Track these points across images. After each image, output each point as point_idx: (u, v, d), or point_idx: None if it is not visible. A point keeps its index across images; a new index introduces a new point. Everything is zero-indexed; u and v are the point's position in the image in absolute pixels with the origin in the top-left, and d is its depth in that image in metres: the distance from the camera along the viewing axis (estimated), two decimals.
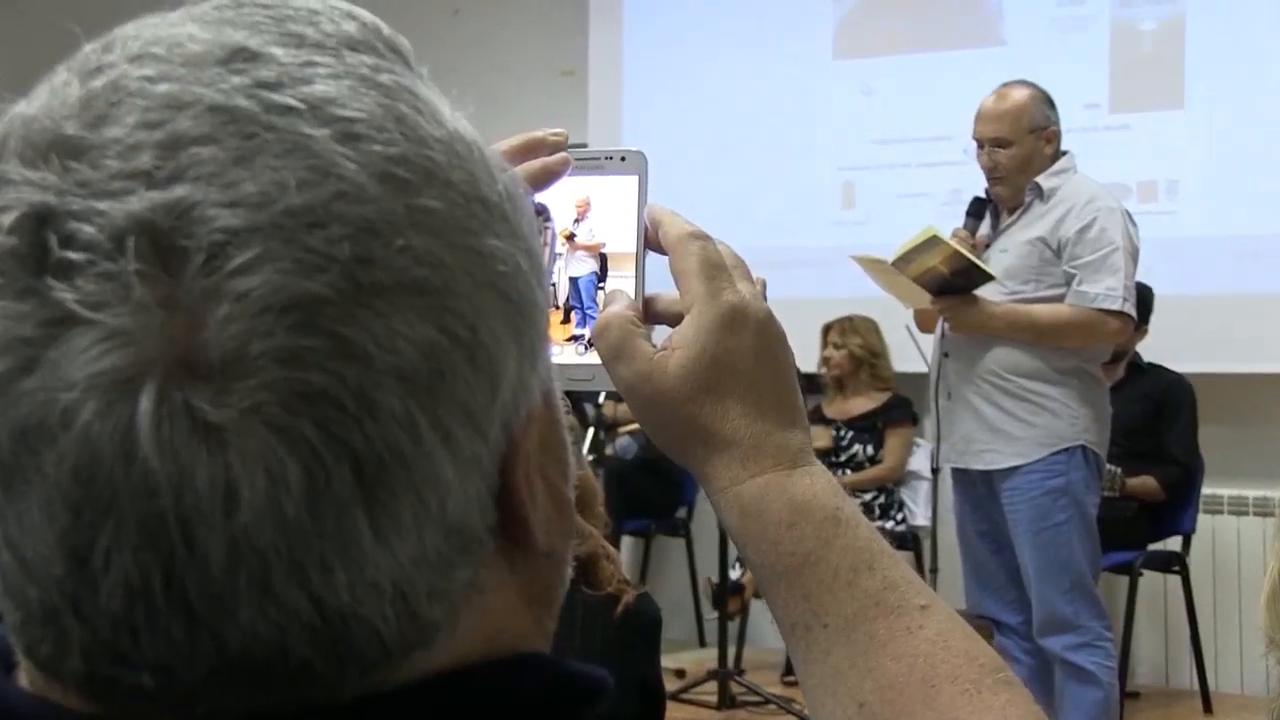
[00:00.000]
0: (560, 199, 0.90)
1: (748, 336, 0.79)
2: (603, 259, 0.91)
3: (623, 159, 0.91)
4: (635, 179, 0.90)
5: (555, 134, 0.87)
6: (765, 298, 0.84)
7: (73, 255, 0.49)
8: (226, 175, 0.50)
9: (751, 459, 0.78)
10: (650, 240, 0.87)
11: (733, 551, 5.48)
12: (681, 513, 6.43)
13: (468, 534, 0.54)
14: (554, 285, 0.91)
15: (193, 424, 0.48)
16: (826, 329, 6.08)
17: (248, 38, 0.54)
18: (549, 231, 0.89)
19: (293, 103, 0.52)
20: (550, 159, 0.86)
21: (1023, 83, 4.43)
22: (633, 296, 0.86)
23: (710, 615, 5.89)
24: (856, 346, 6.03)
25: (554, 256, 0.90)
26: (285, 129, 0.51)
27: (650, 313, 0.86)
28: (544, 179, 0.86)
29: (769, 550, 0.77)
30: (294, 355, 0.49)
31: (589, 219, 0.92)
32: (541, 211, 0.88)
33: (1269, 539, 1.65)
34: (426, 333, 0.51)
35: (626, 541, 6.28)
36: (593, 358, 0.86)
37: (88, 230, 0.49)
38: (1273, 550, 1.66)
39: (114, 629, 0.50)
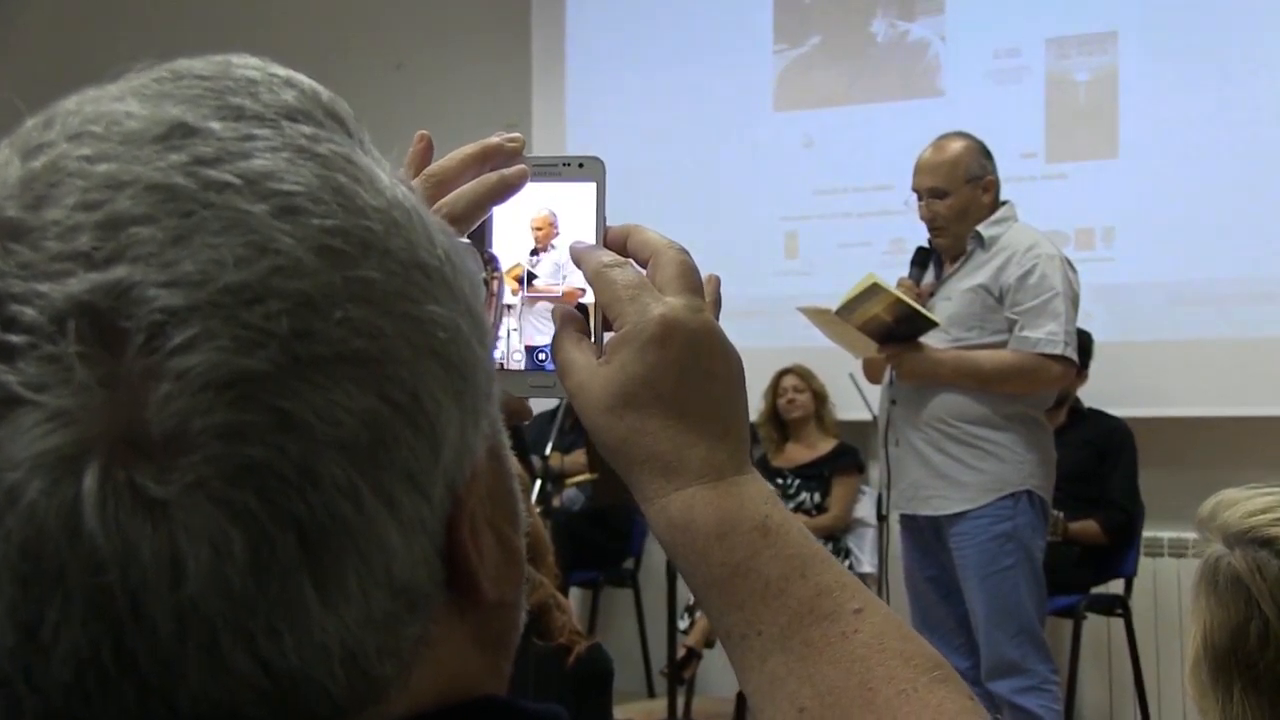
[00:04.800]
0: (516, 220, 0.85)
1: (674, 349, 0.77)
2: (583, 310, 0.84)
3: (580, 165, 0.87)
4: (594, 186, 0.87)
5: (511, 139, 0.85)
6: (719, 298, 0.82)
7: (14, 338, 0.50)
8: (165, 255, 0.51)
9: (675, 472, 0.77)
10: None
11: (680, 602, 5.46)
12: (629, 563, 6.40)
13: (415, 592, 0.55)
14: (502, 361, 0.86)
15: (136, 500, 0.49)
16: (782, 374, 6.09)
17: (185, 112, 0.55)
18: (496, 281, 0.86)
19: (230, 179, 0.53)
20: (508, 171, 0.84)
21: (959, 134, 4.47)
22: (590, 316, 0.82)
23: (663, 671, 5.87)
24: (818, 388, 6.06)
25: (501, 309, 0.86)
26: (223, 205, 0.52)
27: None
28: (502, 191, 0.83)
29: (699, 562, 0.76)
30: (235, 430, 0.50)
31: (554, 251, 0.87)
32: (489, 261, 0.85)
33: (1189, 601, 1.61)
34: (367, 402, 0.52)
35: (574, 593, 6.25)
36: None
37: (29, 313, 0.50)
38: (1190, 618, 1.63)
39: (67, 697, 0.51)
